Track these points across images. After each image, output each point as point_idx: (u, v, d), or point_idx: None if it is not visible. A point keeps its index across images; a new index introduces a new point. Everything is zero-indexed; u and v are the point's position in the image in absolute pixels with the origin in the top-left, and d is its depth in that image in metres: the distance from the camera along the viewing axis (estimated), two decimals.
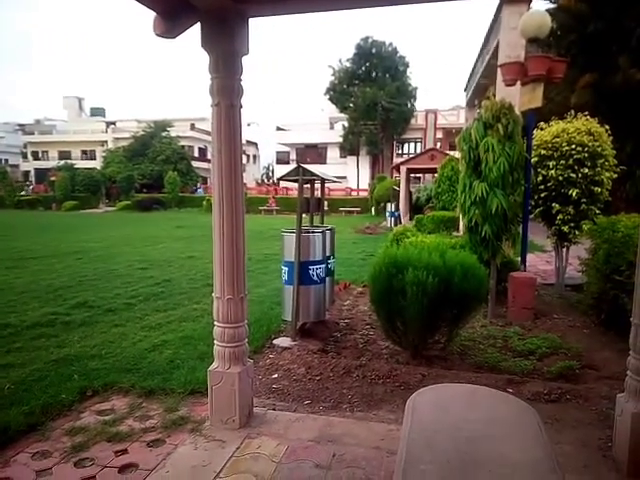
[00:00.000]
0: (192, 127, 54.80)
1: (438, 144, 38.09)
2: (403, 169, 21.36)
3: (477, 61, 14.30)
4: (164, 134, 46.00)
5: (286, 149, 50.22)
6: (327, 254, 5.16)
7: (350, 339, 5.03)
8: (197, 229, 18.36)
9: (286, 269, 4.81)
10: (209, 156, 55.02)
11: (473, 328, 5.17)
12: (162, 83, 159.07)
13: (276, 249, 11.28)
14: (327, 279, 5.19)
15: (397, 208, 20.20)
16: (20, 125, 64.85)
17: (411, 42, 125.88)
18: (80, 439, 2.94)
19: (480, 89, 14.36)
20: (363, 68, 41.11)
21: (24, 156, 58.57)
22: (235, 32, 2.92)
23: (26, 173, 56.39)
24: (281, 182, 45.15)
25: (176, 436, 3.00)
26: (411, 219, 18.09)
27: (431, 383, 3.38)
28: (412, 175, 24.37)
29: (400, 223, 18.08)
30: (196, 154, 54.21)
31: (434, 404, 2.12)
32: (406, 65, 41.24)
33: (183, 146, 48.38)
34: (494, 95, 6.26)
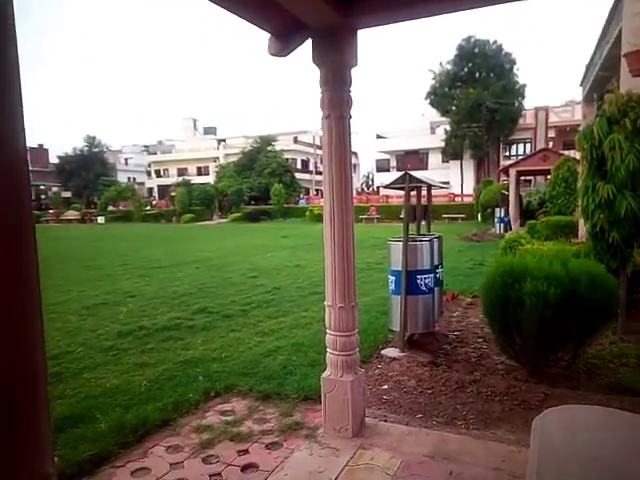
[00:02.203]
0: (295, 140, 56.85)
1: (550, 144, 35.48)
2: (512, 172, 20.16)
3: (595, 53, 13.12)
4: (269, 148, 48.32)
5: (386, 157, 50.06)
6: (435, 263, 5.03)
7: (461, 352, 4.84)
8: (301, 238, 18.94)
9: (393, 278, 4.78)
10: (311, 167, 56.72)
11: (601, 345, 4.70)
12: (267, 100, 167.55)
13: (378, 258, 11.29)
14: (435, 289, 5.05)
15: (506, 213, 19.10)
16: (145, 146, 72.22)
17: (517, 38, 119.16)
18: (206, 437, 3.16)
19: (599, 82, 13.13)
20: (465, 69, 39.70)
21: (148, 174, 65.06)
22: (344, 46, 2.99)
23: (150, 189, 62.52)
24: (381, 190, 45.19)
25: (292, 441, 3.10)
26: (522, 225, 17.00)
27: (555, 404, 3.13)
28: (522, 178, 22.92)
29: (510, 229, 17.07)
30: (299, 166, 56.11)
31: (564, 427, 1.96)
32: (512, 62, 39.06)
33: (287, 159, 50.40)
34: (618, 87, 5.69)
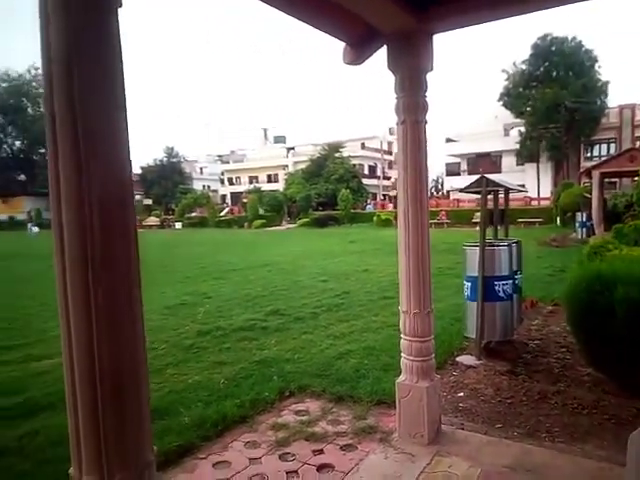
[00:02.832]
0: (362, 146, 56.90)
1: (638, 143, 32.82)
2: (595, 174, 18.89)
3: None
4: (337, 155, 48.73)
5: (456, 160, 48.72)
6: (514, 269, 4.84)
7: (542, 362, 4.60)
8: (369, 243, 18.88)
9: (469, 284, 4.65)
10: (378, 173, 56.47)
11: None
12: (335, 107, 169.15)
13: (450, 263, 10.99)
14: (514, 296, 4.85)
15: (589, 217, 17.92)
16: (219, 156, 75.40)
17: (602, 32, 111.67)
18: (282, 435, 3.24)
19: None
20: (541, 68, 37.83)
21: (222, 182, 67.86)
22: (420, 51, 2.98)
23: (223, 197, 65.09)
24: (451, 194, 44.01)
25: (366, 444, 3.11)
26: (607, 229, 15.86)
27: None
28: (606, 180, 21.40)
29: (593, 234, 15.99)
30: (366, 172, 56.04)
31: None
32: (593, 60, 36.70)
33: (354, 165, 50.55)
34: None
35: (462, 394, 3.87)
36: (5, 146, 55.02)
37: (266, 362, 4.62)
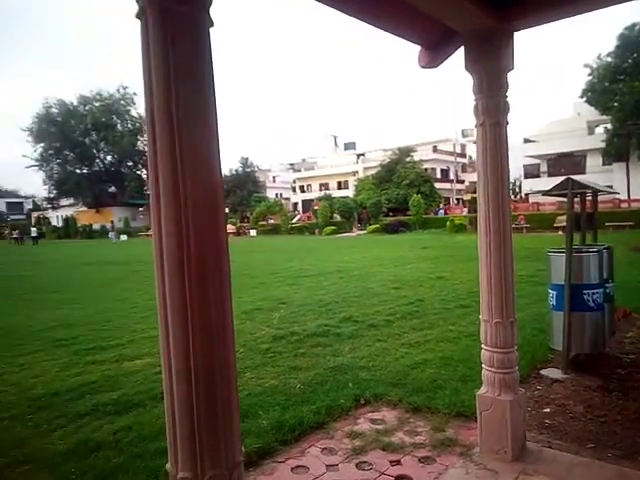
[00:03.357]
0: (434, 150, 55.74)
1: None
2: None
3: None
4: (408, 159, 48.09)
5: (535, 161, 46.30)
6: (604, 277, 4.50)
7: (638, 378, 4.23)
8: (442, 250, 18.40)
9: (554, 293, 4.39)
10: (451, 176, 54.97)
11: None
12: (405, 111, 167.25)
13: (531, 270, 10.43)
14: (605, 306, 4.52)
15: None
16: (291, 164, 77.19)
17: None
18: (358, 443, 3.23)
19: None
20: (629, 60, 35.01)
21: (293, 190, 69.35)
22: (500, 50, 2.88)
23: (295, 204, 66.42)
24: (530, 197, 41.79)
25: (445, 457, 3.02)
26: None
27: None
28: None
29: None
30: (438, 175, 54.82)
31: None
32: None
33: (426, 169, 49.64)
34: None
35: (548, 410, 3.65)
36: (97, 160, 59.85)
37: (340, 369, 4.63)
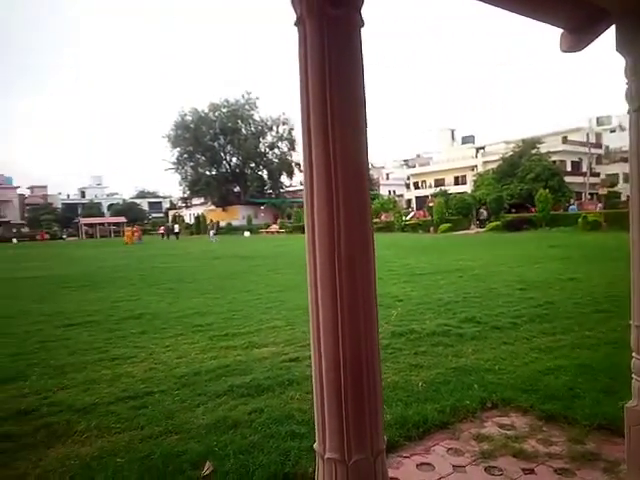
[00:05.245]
0: (564, 140, 51.18)
1: None
2: None
3: None
4: (533, 152, 44.69)
5: None
6: None
7: None
8: (573, 249, 16.85)
9: None
10: (584, 169, 50.00)
11: None
12: (529, 101, 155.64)
13: None
14: None
15: None
16: (404, 160, 76.20)
17: None
18: (486, 447, 3.12)
19: None
20: None
21: (407, 186, 68.34)
22: None
23: (408, 201, 65.45)
24: None
25: (586, 471, 2.79)
26: None
27: None
28: None
29: None
30: (568, 168, 50.21)
31: None
32: None
33: (554, 161, 45.74)
34: None
35: None
36: (224, 162, 64.67)
37: (464, 370, 4.50)
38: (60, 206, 78.76)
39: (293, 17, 1.37)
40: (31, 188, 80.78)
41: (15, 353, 5.75)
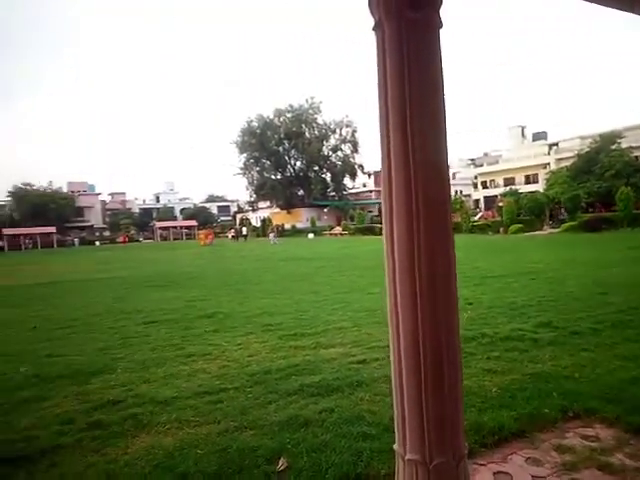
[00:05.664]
0: None
1: None
2: None
3: None
4: (613, 147, 41.70)
5: None
6: None
7: None
8: None
9: None
10: None
11: None
12: (607, 91, 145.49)
13: None
14: None
15: None
16: (471, 159, 73.84)
17: None
18: (568, 458, 2.97)
19: None
20: None
21: (475, 186, 66.13)
22: None
23: (476, 201, 63.32)
24: None
25: None
26: None
27: None
28: None
29: None
30: None
31: None
32: None
33: (636, 157, 42.42)
34: None
35: None
36: (289, 166, 65.86)
37: (541, 376, 4.30)
38: (137, 211, 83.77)
39: (370, 22, 1.39)
40: (112, 194, 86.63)
41: (102, 348, 6.21)
